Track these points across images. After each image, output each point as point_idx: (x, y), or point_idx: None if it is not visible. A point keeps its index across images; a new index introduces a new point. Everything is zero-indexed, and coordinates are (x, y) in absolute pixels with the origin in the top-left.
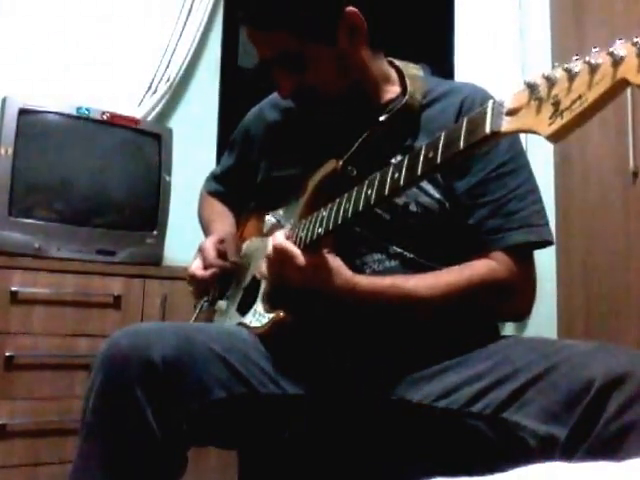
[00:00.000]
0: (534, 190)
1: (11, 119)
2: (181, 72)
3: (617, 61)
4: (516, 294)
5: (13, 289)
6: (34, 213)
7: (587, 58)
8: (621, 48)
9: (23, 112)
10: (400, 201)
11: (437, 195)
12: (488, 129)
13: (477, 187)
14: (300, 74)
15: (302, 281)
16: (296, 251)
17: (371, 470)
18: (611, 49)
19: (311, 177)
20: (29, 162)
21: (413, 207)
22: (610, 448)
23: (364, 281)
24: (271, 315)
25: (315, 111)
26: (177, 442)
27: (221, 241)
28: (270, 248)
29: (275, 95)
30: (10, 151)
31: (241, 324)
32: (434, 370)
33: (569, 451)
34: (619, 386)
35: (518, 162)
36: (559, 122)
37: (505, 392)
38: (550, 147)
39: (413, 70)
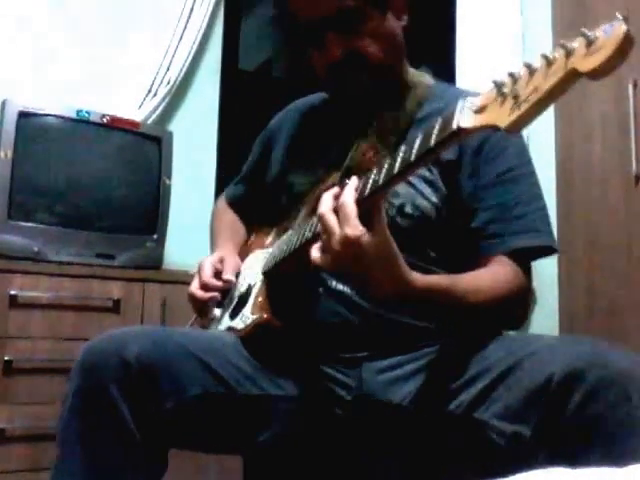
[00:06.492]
0: (539, 197)
1: (11, 122)
2: (181, 75)
3: (569, 53)
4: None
5: (12, 293)
6: (34, 216)
7: (546, 54)
8: (575, 41)
9: (23, 115)
10: (396, 202)
11: (434, 199)
12: (455, 125)
13: (482, 190)
14: (353, 38)
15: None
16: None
17: (358, 472)
18: (566, 43)
19: (316, 189)
20: (29, 165)
21: (408, 209)
22: (575, 447)
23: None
24: (255, 316)
25: (353, 88)
26: (156, 442)
27: (221, 260)
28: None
29: (299, 101)
30: (10, 154)
31: (229, 328)
32: (411, 370)
33: (535, 450)
34: (578, 381)
35: (525, 169)
36: (516, 113)
37: (475, 390)
38: (552, 150)
39: (419, 77)
